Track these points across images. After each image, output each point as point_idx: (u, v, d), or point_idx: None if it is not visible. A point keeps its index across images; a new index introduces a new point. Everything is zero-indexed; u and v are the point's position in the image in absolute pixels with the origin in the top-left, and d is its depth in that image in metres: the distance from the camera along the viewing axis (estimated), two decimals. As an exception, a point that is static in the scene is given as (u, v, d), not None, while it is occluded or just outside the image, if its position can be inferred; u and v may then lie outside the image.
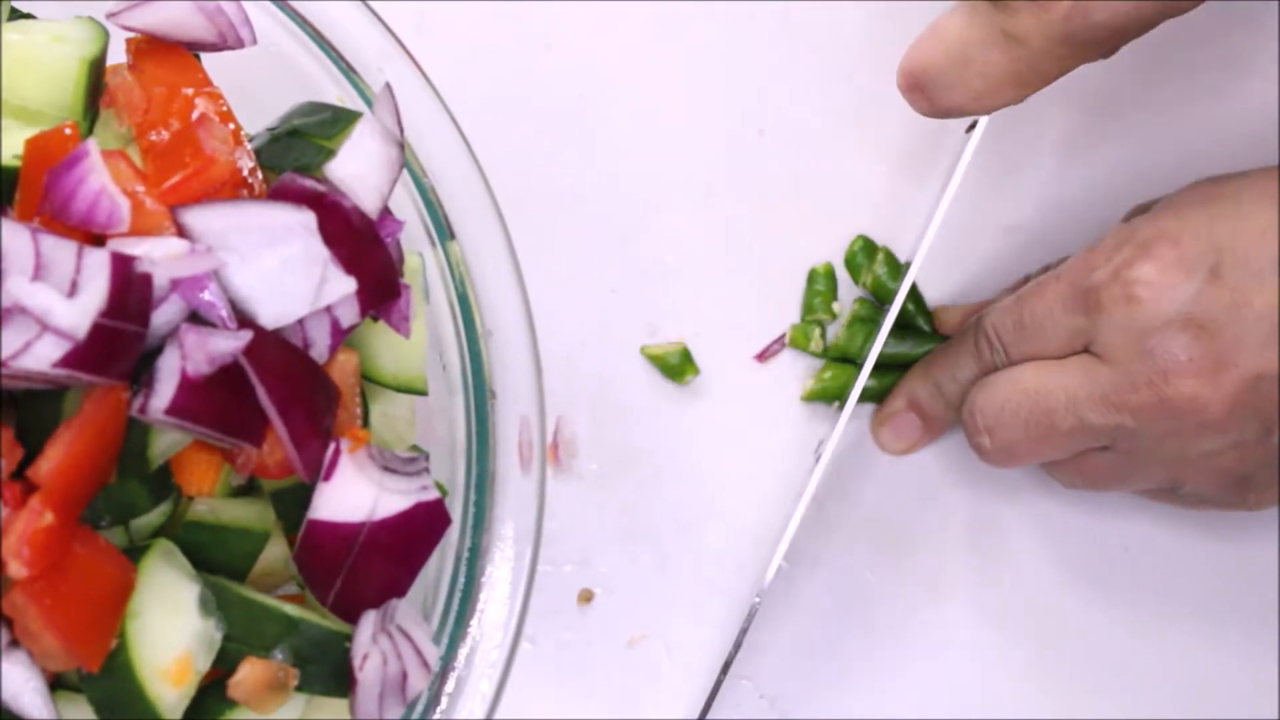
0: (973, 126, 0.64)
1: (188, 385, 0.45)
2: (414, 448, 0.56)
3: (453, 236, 0.55)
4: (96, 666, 0.46)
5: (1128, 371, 0.57)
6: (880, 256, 0.68)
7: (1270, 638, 0.67)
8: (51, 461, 0.44)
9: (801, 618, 0.66)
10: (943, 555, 0.67)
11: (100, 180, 0.46)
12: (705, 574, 0.66)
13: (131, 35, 0.52)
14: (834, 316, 0.67)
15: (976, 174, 0.69)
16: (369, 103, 0.55)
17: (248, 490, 0.52)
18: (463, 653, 0.52)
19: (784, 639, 0.66)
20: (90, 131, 0.52)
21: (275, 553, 0.52)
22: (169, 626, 0.47)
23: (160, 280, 0.45)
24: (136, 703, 0.46)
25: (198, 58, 0.53)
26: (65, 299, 0.43)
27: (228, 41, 0.52)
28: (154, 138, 0.50)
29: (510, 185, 0.59)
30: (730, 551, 0.66)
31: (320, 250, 0.48)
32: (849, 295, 0.68)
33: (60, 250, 0.44)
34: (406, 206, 0.55)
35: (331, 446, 0.48)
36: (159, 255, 0.46)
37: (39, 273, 0.43)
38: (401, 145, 0.51)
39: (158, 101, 0.50)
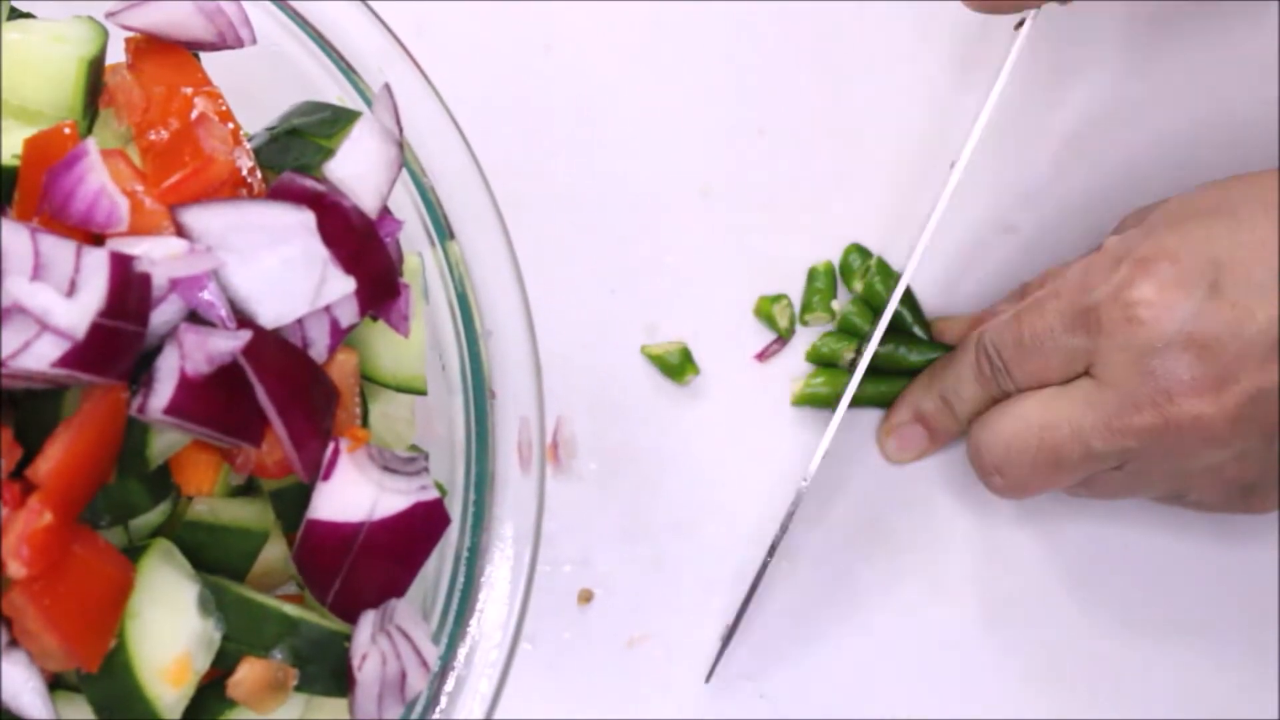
0: (1021, 24, 0.63)
1: (187, 385, 0.45)
2: (413, 447, 0.56)
3: (452, 236, 0.55)
4: (95, 666, 0.46)
5: (1130, 394, 0.57)
6: (873, 263, 0.67)
7: (1270, 638, 0.67)
8: (50, 461, 0.44)
9: (802, 618, 0.66)
10: (942, 555, 0.67)
11: (99, 180, 0.46)
12: (705, 574, 0.66)
13: (131, 35, 0.52)
14: (833, 315, 0.67)
15: (974, 173, 0.69)
16: (368, 102, 0.55)
17: (247, 490, 0.52)
18: (462, 652, 0.52)
19: (784, 639, 0.66)
20: (89, 131, 0.52)
21: (274, 552, 0.52)
22: (168, 626, 0.47)
23: (159, 280, 0.45)
24: (135, 703, 0.46)
25: (197, 57, 0.53)
26: (64, 299, 0.43)
27: (227, 41, 0.52)
28: (153, 137, 0.50)
29: (510, 185, 0.59)
30: (730, 551, 0.66)
31: (319, 250, 0.48)
32: (849, 295, 0.68)
33: (59, 250, 0.44)
34: (406, 206, 0.55)
35: (331, 446, 0.48)
36: (158, 255, 0.46)
37: (38, 272, 0.43)
38: (401, 145, 0.51)
39: (157, 101, 0.50)
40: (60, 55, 0.51)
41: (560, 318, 0.67)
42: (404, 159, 0.52)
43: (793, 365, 0.68)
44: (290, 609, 0.50)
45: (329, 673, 0.50)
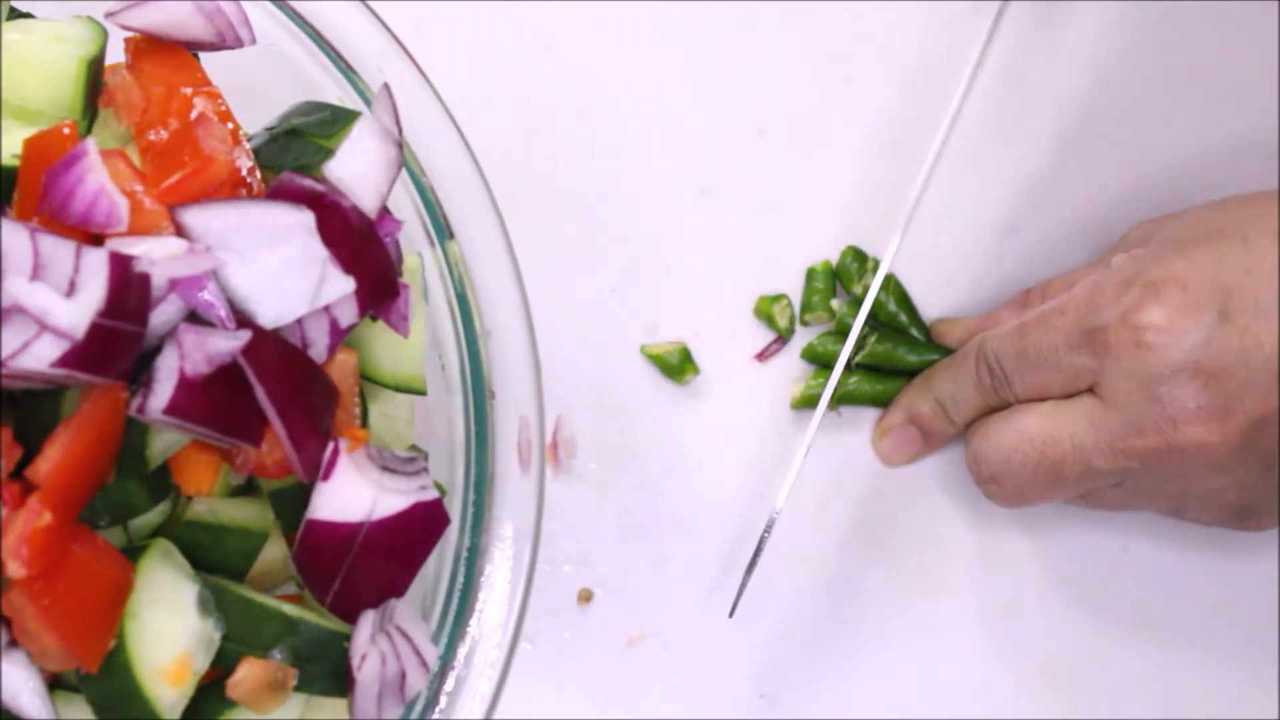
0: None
1: (186, 385, 0.45)
2: (413, 447, 0.56)
3: (452, 236, 0.55)
4: (95, 666, 0.46)
5: (1135, 417, 0.57)
6: (870, 265, 0.67)
7: (1270, 641, 0.66)
8: (50, 461, 0.44)
9: (801, 618, 0.66)
10: (942, 555, 0.67)
11: (99, 180, 0.46)
12: (705, 574, 0.66)
13: (130, 35, 0.52)
14: (833, 315, 0.67)
15: (973, 172, 0.69)
16: (368, 102, 0.55)
17: (246, 490, 0.52)
18: (462, 652, 0.52)
19: (784, 639, 0.66)
20: (89, 131, 0.52)
21: (274, 552, 0.52)
22: (168, 626, 0.47)
23: (159, 280, 0.45)
24: (135, 703, 0.46)
25: (196, 57, 0.53)
26: (64, 299, 0.43)
27: (227, 41, 0.52)
28: (153, 137, 0.50)
29: (510, 185, 0.59)
30: (730, 551, 0.66)
31: (319, 250, 0.48)
32: (848, 296, 0.68)
33: (59, 250, 0.44)
34: (405, 206, 0.55)
35: (330, 446, 0.48)
36: (158, 255, 0.46)
37: (37, 272, 0.43)
38: (400, 145, 0.51)
39: (156, 101, 0.50)
40: (60, 55, 0.51)
41: (560, 317, 0.67)
42: (403, 159, 0.52)
43: (792, 365, 0.68)
44: (290, 609, 0.50)
45: (328, 673, 0.50)
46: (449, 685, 0.52)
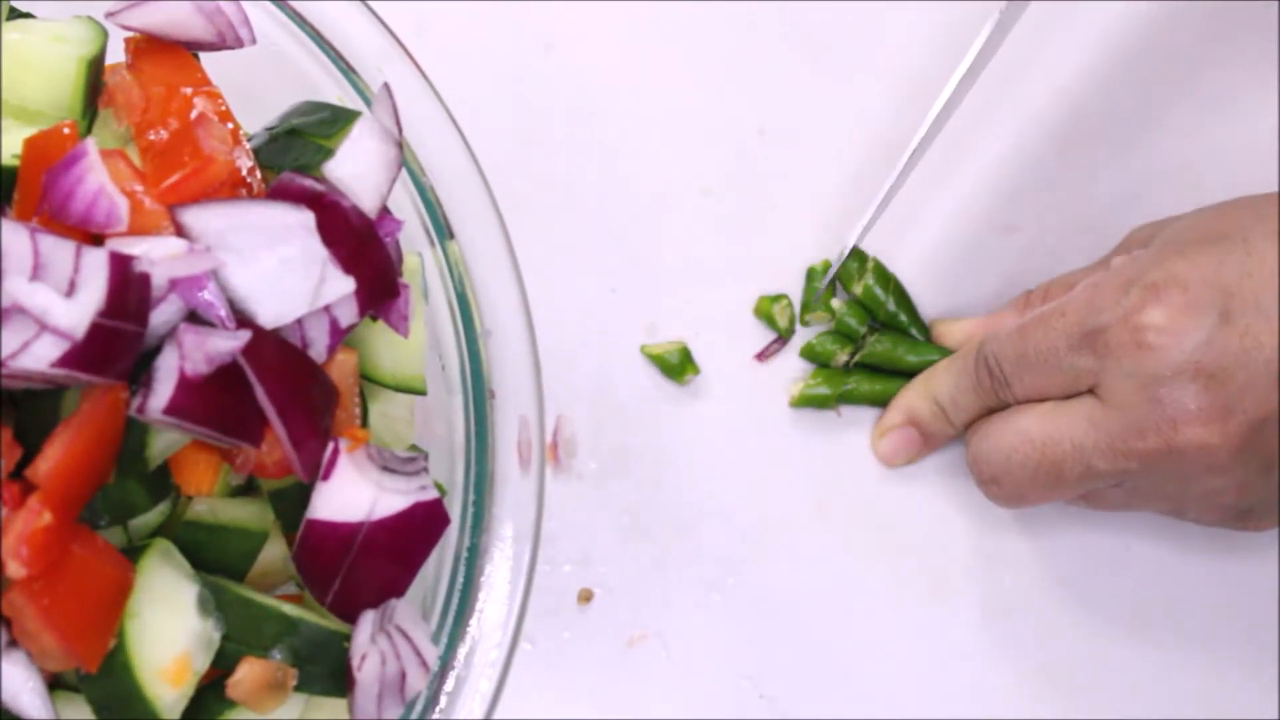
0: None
1: (186, 385, 0.45)
2: (413, 447, 0.56)
3: (451, 236, 0.55)
4: (95, 666, 0.46)
5: (1136, 419, 0.57)
6: (870, 265, 0.67)
7: (1270, 640, 0.66)
8: (50, 461, 0.44)
9: (801, 618, 0.66)
10: (943, 555, 0.67)
11: (99, 179, 0.46)
12: (705, 574, 0.66)
13: (130, 35, 0.52)
14: (833, 315, 0.67)
15: (974, 172, 0.69)
16: (368, 102, 0.55)
17: (246, 490, 0.52)
18: (462, 652, 0.52)
19: (784, 639, 0.66)
20: (89, 131, 0.52)
21: (274, 552, 0.52)
22: (167, 626, 0.47)
23: (159, 280, 0.45)
24: (135, 703, 0.46)
25: (196, 57, 0.53)
26: (64, 299, 0.43)
27: (226, 41, 0.52)
28: (152, 137, 0.50)
29: (510, 185, 0.59)
30: (730, 551, 0.66)
31: (319, 250, 0.48)
32: (848, 295, 0.68)
33: (59, 250, 0.44)
34: (405, 206, 0.55)
35: (330, 446, 0.48)
36: (157, 255, 0.46)
37: (37, 272, 0.43)
38: (400, 145, 0.51)
39: (156, 101, 0.50)
40: (60, 55, 0.51)
41: (560, 317, 0.67)
42: (403, 159, 0.52)
43: (792, 365, 0.68)
44: (290, 609, 0.50)
45: (328, 673, 0.50)
46: (449, 685, 0.52)
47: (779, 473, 0.67)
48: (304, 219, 0.48)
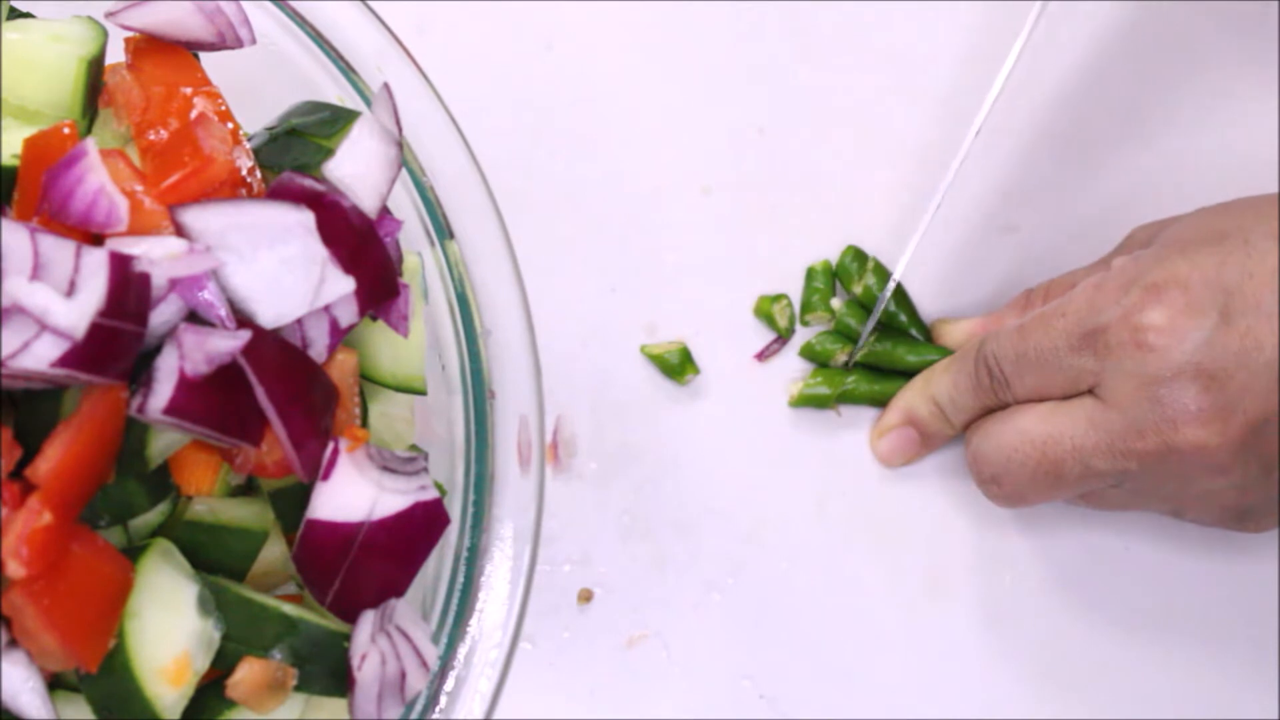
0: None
1: (186, 385, 0.45)
2: (413, 447, 0.56)
3: (451, 236, 0.55)
4: (95, 666, 0.46)
5: (1135, 419, 0.57)
6: (870, 265, 0.67)
7: (1270, 638, 0.66)
8: (50, 461, 0.44)
9: (802, 618, 0.66)
10: (942, 555, 0.67)
11: (99, 179, 0.46)
12: (705, 574, 0.66)
13: (130, 35, 0.52)
14: (833, 314, 0.67)
15: (974, 173, 0.69)
16: (368, 102, 0.55)
17: (246, 490, 0.52)
18: (461, 652, 0.52)
19: (784, 639, 0.66)
20: (89, 131, 0.52)
21: (274, 552, 0.52)
22: (167, 626, 0.47)
23: (159, 280, 0.45)
24: (135, 702, 0.46)
25: (196, 57, 0.53)
26: (64, 298, 0.43)
27: (226, 41, 0.52)
28: (152, 137, 0.50)
29: (510, 185, 0.59)
30: (730, 551, 0.66)
31: (319, 250, 0.48)
32: (848, 295, 0.68)
33: (59, 250, 0.44)
34: (405, 206, 0.55)
35: (330, 446, 0.48)
36: (157, 255, 0.46)
37: (37, 272, 0.43)
38: (400, 144, 0.51)
39: (156, 101, 0.50)
40: (60, 55, 0.51)
41: (560, 317, 0.67)
42: (403, 159, 0.52)
43: (792, 365, 0.68)
44: (290, 609, 0.50)
45: (328, 673, 0.50)
46: (449, 685, 0.52)
47: (779, 473, 0.67)
48: (304, 219, 0.48)
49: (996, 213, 0.69)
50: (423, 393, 0.55)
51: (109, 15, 0.51)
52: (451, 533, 0.53)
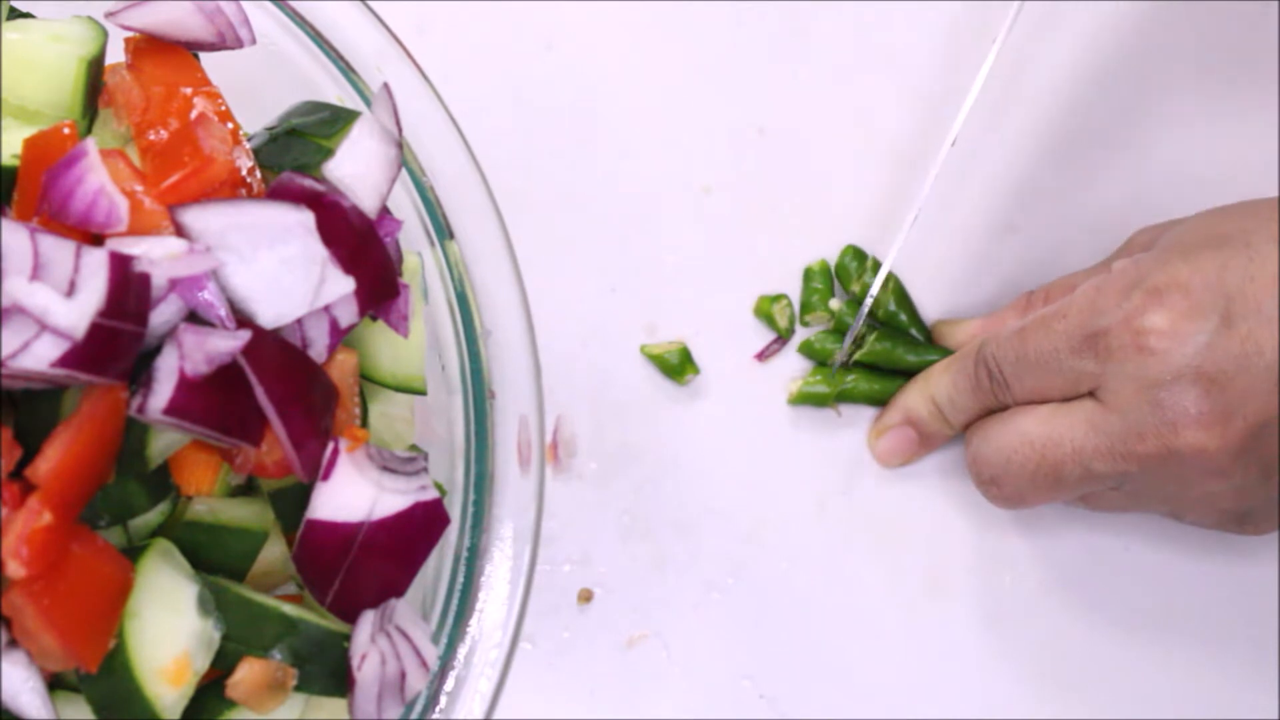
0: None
1: (186, 385, 0.45)
2: (413, 447, 0.56)
3: (451, 236, 0.55)
4: (95, 666, 0.46)
5: (1136, 422, 0.57)
6: (869, 264, 0.67)
7: (1270, 638, 0.67)
8: (50, 461, 0.44)
9: (801, 618, 0.66)
10: (942, 555, 0.67)
11: (99, 179, 0.46)
12: (705, 574, 0.66)
13: (130, 35, 0.52)
14: (832, 314, 0.67)
15: (974, 173, 0.69)
16: (368, 102, 0.55)
17: (246, 490, 0.52)
18: (461, 652, 0.52)
19: (784, 639, 0.66)
20: (89, 131, 0.52)
21: (274, 552, 0.52)
22: (167, 626, 0.47)
23: (158, 280, 0.45)
24: (135, 703, 0.46)
25: (196, 57, 0.53)
26: (64, 299, 0.43)
27: (226, 41, 0.52)
28: (152, 137, 0.50)
29: (510, 185, 0.59)
30: (730, 551, 0.66)
31: (319, 250, 0.48)
32: (847, 295, 0.68)
33: (59, 250, 0.44)
34: (405, 206, 0.55)
35: (330, 446, 0.48)
36: (157, 255, 0.46)
37: (37, 272, 0.43)
38: (400, 145, 0.51)
39: (156, 101, 0.50)
40: (60, 55, 0.51)
41: (560, 317, 0.67)
42: (403, 159, 0.52)
43: (792, 365, 0.68)
44: (290, 609, 0.50)
45: (328, 673, 0.50)
46: (449, 685, 0.52)
47: (779, 473, 0.67)
48: (304, 219, 0.48)
49: (997, 214, 0.69)
50: (423, 393, 0.55)
51: (109, 15, 0.51)
52: (451, 533, 0.53)
